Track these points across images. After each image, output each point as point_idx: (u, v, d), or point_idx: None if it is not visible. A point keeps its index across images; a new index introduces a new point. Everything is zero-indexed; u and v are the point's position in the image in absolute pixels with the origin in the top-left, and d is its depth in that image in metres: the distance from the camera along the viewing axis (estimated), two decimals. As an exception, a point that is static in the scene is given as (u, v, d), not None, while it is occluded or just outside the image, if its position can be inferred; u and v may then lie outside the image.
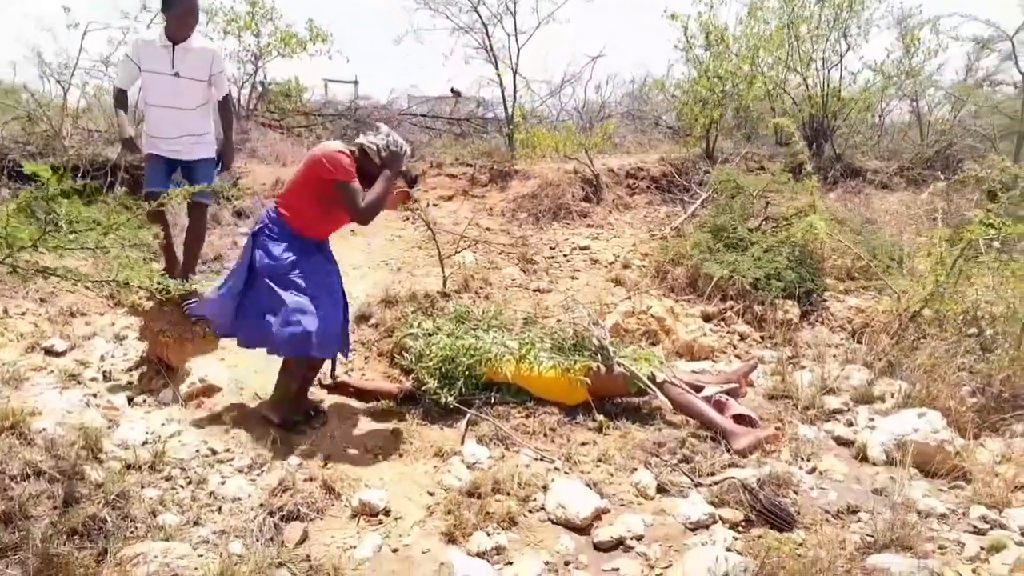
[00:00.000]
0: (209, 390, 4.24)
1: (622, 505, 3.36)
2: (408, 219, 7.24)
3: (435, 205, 7.65)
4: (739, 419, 4.06)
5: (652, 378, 4.13)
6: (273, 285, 3.73)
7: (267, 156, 8.80)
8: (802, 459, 3.83)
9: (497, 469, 3.49)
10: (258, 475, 3.50)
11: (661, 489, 3.50)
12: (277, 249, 3.77)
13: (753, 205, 6.58)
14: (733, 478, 3.44)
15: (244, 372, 4.44)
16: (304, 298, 3.73)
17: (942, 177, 8.35)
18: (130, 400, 4.26)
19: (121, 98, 4.84)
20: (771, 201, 6.60)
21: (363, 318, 5.12)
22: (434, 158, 9.11)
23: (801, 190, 6.29)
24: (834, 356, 5.39)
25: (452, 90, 12.79)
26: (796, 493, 3.48)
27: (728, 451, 3.80)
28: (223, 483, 3.40)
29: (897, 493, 3.45)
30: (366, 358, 4.75)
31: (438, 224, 6.83)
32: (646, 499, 3.43)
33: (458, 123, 10.82)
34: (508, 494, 3.29)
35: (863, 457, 3.91)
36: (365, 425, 4.04)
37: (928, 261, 5.77)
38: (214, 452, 3.67)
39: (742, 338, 5.68)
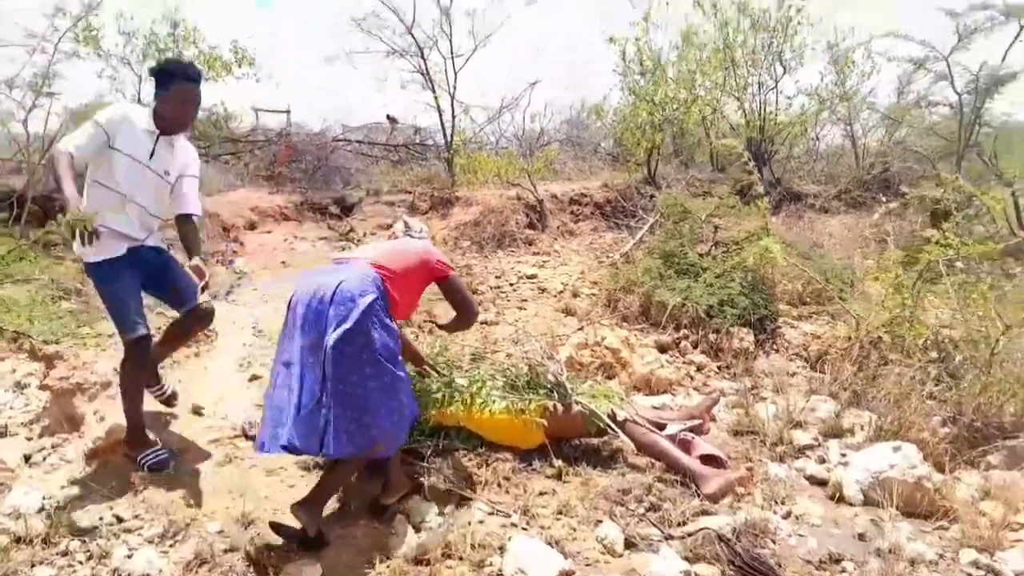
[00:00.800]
0: (120, 444, 3.74)
1: (588, 565, 3.01)
2: (342, 247, 6.82)
3: (373, 234, 7.25)
4: (707, 459, 3.77)
5: (613, 417, 3.82)
6: (395, 369, 3.10)
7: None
8: (776, 502, 3.56)
9: (447, 528, 3.10)
10: (171, 546, 3.03)
11: (629, 544, 3.17)
12: (391, 326, 3.16)
13: (702, 229, 6.39)
14: (707, 529, 3.14)
15: (159, 423, 3.96)
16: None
17: (883, 199, 8.36)
18: (27, 458, 3.72)
19: (68, 162, 3.25)
20: (719, 225, 6.42)
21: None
22: (371, 185, 8.73)
23: (749, 214, 6.13)
24: (792, 385, 5.18)
25: (388, 117, 12.42)
26: (774, 542, 3.20)
27: (698, 496, 3.50)
28: (130, 556, 2.93)
29: (883, 539, 3.21)
30: (298, 403, 4.33)
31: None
32: (614, 556, 3.09)
33: (395, 150, 10.45)
34: (460, 559, 2.91)
35: (839, 497, 3.66)
36: (294, 481, 3.60)
37: (880, 284, 5.65)
38: (120, 520, 3.19)
39: (699, 369, 5.43)
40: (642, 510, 3.42)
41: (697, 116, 9.90)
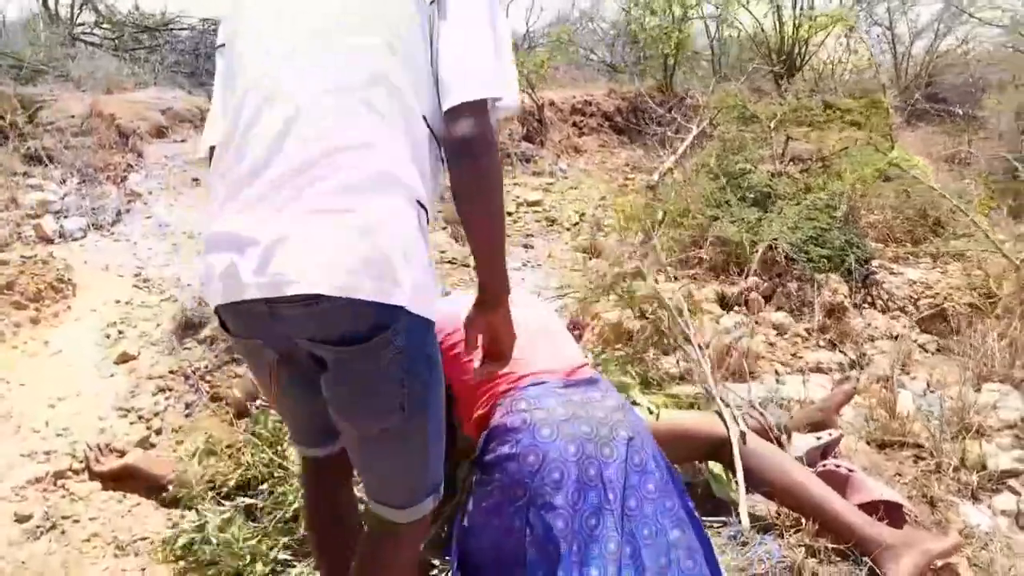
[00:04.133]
0: None
1: None
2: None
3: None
4: (869, 508, 2.24)
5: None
6: None
7: (84, 80, 6.38)
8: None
9: None
10: None
11: None
12: None
13: (769, 142, 4.74)
14: None
15: None
16: None
17: (960, 112, 6.81)
18: None
19: None
20: (792, 136, 4.79)
21: (188, 327, 2.97)
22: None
23: (838, 121, 4.52)
24: (918, 360, 3.70)
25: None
26: None
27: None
28: None
29: None
30: (188, 405, 2.64)
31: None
32: None
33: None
34: None
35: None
36: (157, 569, 2.00)
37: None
38: None
39: (779, 332, 3.90)
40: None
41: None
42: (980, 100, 7.16)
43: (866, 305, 4.32)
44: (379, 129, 1.17)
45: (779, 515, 2.28)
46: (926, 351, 4.00)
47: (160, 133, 5.45)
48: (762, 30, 8.62)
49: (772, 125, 4.64)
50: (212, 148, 1.32)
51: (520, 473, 1.67)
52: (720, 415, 2.33)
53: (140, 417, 2.50)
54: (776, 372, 3.50)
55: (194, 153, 5.12)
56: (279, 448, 2.05)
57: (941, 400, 3.00)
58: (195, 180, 4.64)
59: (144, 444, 2.37)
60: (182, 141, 5.42)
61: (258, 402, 2.14)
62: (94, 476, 2.25)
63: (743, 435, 2.28)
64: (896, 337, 4.09)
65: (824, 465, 2.38)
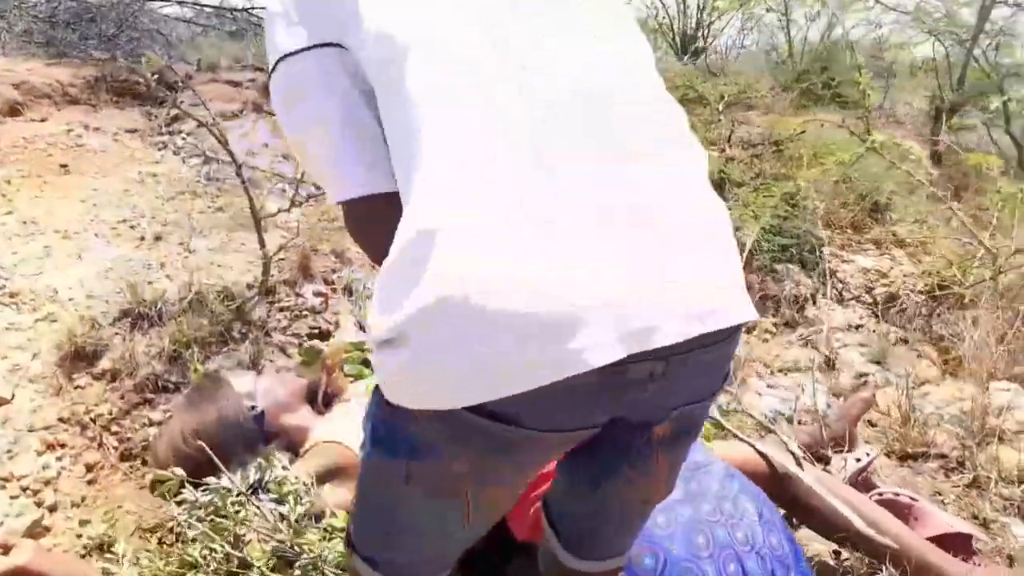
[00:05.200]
0: None
1: None
2: (163, 144, 4.31)
3: (214, 123, 4.73)
4: (937, 541, 1.96)
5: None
6: None
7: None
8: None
9: None
10: None
11: None
12: None
13: (717, 125, 4.47)
14: None
15: None
16: None
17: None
18: None
19: None
20: (739, 120, 4.54)
21: (79, 358, 2.29)
22: (203, 58, 6.10)
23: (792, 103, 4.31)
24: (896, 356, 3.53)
25: (219, -21, 9.48)
26: None
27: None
28: None
29: None
30: (89, 467, 2.00)
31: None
32: None
33: (231, 15, 7.65)
34: None
35: None
36: None
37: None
38: None
39: (747, 329, 3.64)
40: None
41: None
42: (889, 86, 7.22)
43: (821, 295, 4.15)
44: None
45: (839, 556, 1.96)
46: (887, 341, 3.87)
47: (14, 111, 4.53)
48: (667, 14, 8.48)
49: (720, 108, 4.37)
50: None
51: None
52: (753, 446, 1.97)
53: (24, 489, 1.85)
54: (758, 375, 3.23)
55: (60, 134, 4.27)
56: (240, 540, 1.50)
57: (941, 401, 2.79)
58: (63, 167, 3.84)
59: (36, 531, 1.74)
60: (42, 120, 4.53)
61: (215, 479, 1.55)
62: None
63: (799, 462, 1.94)
64: (857, 328, 3.96)
65: (881, 494, 2.07)
